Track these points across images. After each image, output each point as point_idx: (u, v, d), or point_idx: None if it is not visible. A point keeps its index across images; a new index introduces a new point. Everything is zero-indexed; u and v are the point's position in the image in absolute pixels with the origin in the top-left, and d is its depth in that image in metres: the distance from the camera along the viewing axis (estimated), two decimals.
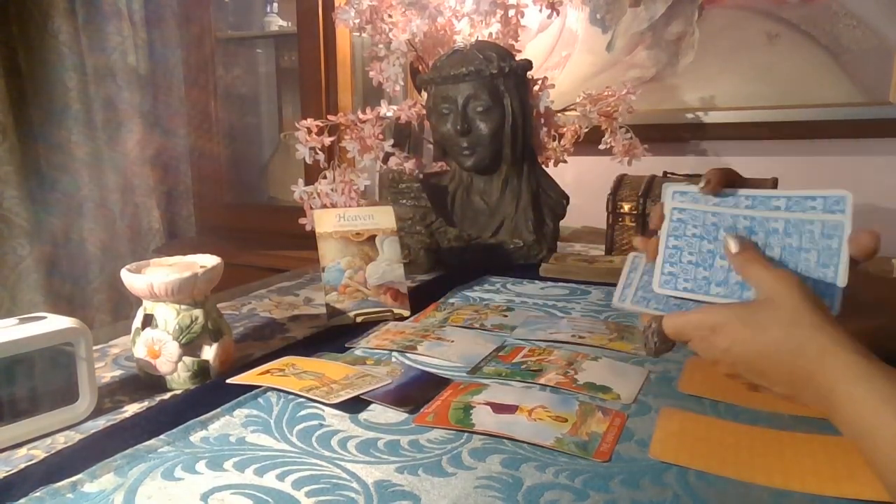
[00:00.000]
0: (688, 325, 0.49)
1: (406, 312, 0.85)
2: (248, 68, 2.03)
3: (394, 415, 0.57)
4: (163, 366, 0.63)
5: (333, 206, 1.19)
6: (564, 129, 1.33)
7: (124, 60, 1.72)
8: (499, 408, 0.57)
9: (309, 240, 0.91)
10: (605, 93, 1.29)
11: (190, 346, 0.64)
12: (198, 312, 0.64)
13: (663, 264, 0.53)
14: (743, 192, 0.54)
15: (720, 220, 0.53)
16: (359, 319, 0.82)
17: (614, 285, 0.58)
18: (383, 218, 0.87)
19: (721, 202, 0.53)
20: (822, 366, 0.43)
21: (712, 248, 0.52)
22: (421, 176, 1.18)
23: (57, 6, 1.57)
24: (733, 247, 0.50)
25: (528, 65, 1.14)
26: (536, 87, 1.20)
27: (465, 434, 0.53)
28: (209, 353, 0.65)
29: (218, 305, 0.70)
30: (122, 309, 1.71)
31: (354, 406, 0.58)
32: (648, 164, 1.29)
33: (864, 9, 1.33)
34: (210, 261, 0.67)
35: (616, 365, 0.68)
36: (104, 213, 1.71)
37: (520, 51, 1.30)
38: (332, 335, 0.78)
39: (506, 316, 0.85)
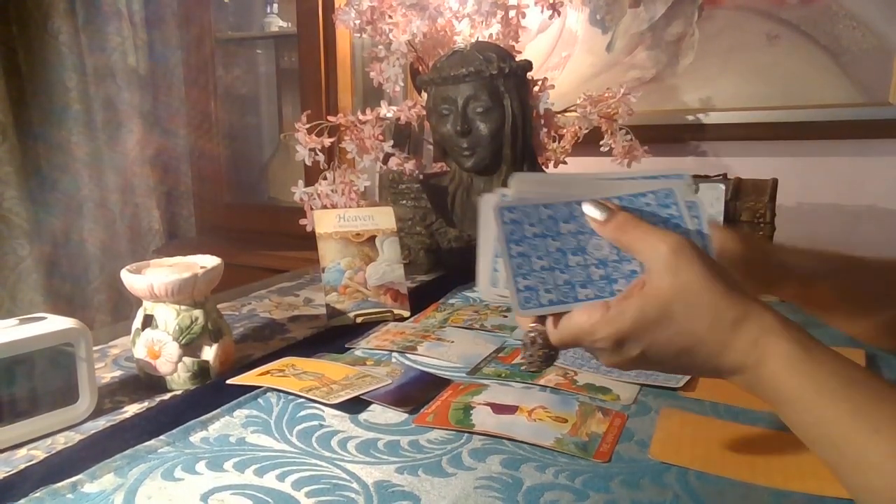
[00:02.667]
0: (581, 334, 0.43)
1: (406, 313, 0.85)
2: (248, 69, 2.03)
3: (394, 415, 0.57)
4: (163, 366, 0.63)
5: (333, 206, 1.19)
6: (564, 130, 1.33)
7: (124, 60, 1.72)
8: (499, 408, 0.57)
9: (309, 240, 0.91)
10: (605, 94, 1.29)
11: (190, 347, 0.64)
12: (198, 313, 0.64)
13: (515, 279, 0.44)
14: (577, 175, 0.50)
15: (556, 212, 0.45)
16: (359, 320, 0.83)
17: None
18: (383, 218, 0.87)
19: (549, 193, 0.46)
20: (726, 348, 0.41)
21: (560, 246, 0.45)
22: (421, 176, 1.18)
23: (57, 6, 1.57)
24: (597, 214, 0.44)
25: (528, 65, 1.14)
26: (536, 88, 1.20)
27: (465, 434, 0.53)
28: (209, 353, 0.65)
29: (218, 306, 0.70)
30: (122, 309, 1.71)
31: (354, 406, 0.58)
32: (648, 165, 1.29)
33: (863, 9, 1.33)
34: (210, 261, 0.67)
35: None
36: (104, 213, 1.71)
37: (520, 51, 1.30)
38: (332, 336, 0.78)
39: (506, 316, 0.85)
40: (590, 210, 0.44)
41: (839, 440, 0.38)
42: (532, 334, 0.43)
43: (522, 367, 0.43)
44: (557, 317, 0.44)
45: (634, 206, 0.45)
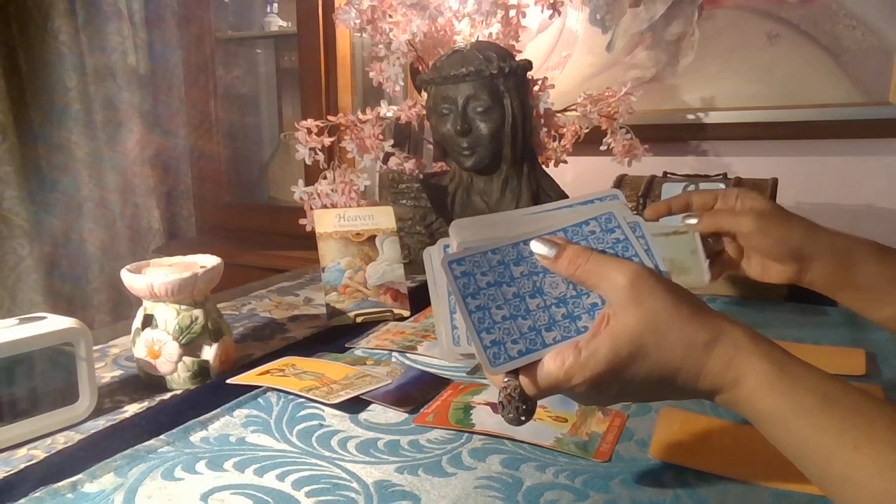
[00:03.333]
0: (557, 383, 0.41)
1: (406, 312, 0.85)
2: (248, 68, 2.03)
3: (394, 415, 0.57)
4: (163, 366, 0.63)
5: (333, 206, 1.19)
6: (564, 130, 1.33)
7: (124, 60, 1.72)
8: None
9: (309, 240, 0.91)
10: (606, 93, 1.29)
11: (190, 347, 0.64)
12: (198, 312, 0.64)
13: (479, 336, 0.41)
14: (515, 213, 0.49)
15: (504, 256, 0.44)
16: (359, 319, 0.82)
17: None
18: (383, 218, 0.87)
19: (493, 237, 0.44)
20: (730, 358, 0.40)
21: (516, 291, 0.43)
22: (421, 176, 1.18)
23: (57, 6, 1.57)
24: (546, 251, 0.43)
25: (528, 65, 1.14)
26: (536, 88, 1.20)
27: (465, 434, 0.53)
28: (209, 353, 0.65)
29: (218, 305, 0.70)
30: (122, 309, 1.71)
31: (354, 406, 0.58)
32: (648, 165, 1.29)
33: (863, 9, 1.33)
34: (210, 261, 0.67)
35: None
36: (104, 213, 1.71)
37: (520, 51, 1.30)
38: (332, 335, 0.78)
39: None
40: (538, 248, 0.43)
41: (821, 458, 0.37)
42: (507, 390, 0.41)
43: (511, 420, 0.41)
44: (528, 368, 0.41)
45: (580, 236, 0.44)
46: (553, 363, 0.40)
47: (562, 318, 0.42)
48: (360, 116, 1.21)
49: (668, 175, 1.20)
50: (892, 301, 0.60)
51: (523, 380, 0.41)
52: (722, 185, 1.08)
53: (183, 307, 0.63)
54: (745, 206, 0.64)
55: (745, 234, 0.62)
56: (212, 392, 0.61)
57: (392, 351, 0.73)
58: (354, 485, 0.46)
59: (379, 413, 0.57)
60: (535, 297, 0.43)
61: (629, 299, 0.40)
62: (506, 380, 0.41)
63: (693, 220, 0.64)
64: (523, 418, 0.40)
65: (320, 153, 1.20)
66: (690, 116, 1.51)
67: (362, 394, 0.59)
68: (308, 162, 1.20)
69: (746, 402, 0.40)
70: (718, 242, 0.65)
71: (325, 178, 1.21)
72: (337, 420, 0.56)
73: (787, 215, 0.63)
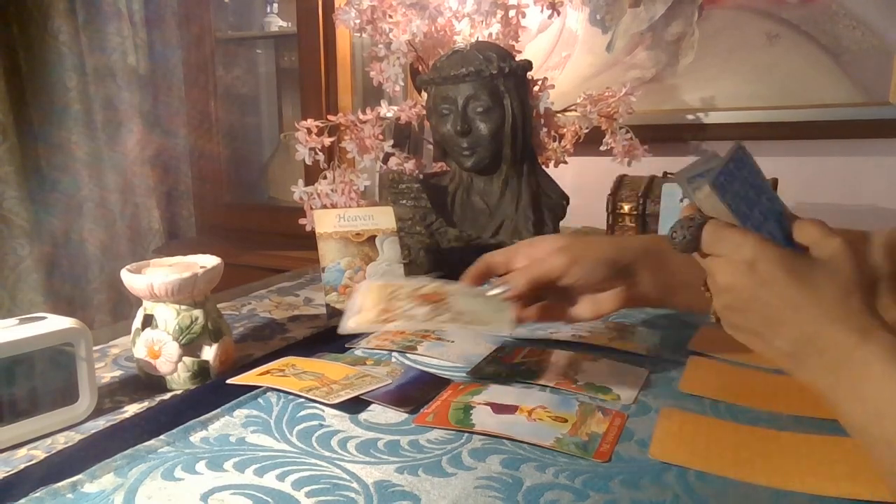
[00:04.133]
0: (728, 241, 0.45)
1: None
2: (248, 68, 2.04)
3: (394, 415, 0.57)
4: (163, 366, 0.63)
5: (333, 206, 1.19)
6: (564, 130, 1.33)
7: (124, 60, 1.72)
8: (499, 408, 0.57)
9: (309, 240, 0.91)
10: (606, 93, 1.29)
11: (190, 347, 0.64)
12: (198, 313, 0.64)
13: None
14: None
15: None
16: None
17: None
18: (383, 218, 0.87)
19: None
20: (863, 340, 0.41)
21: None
22: (421, 176, 1.18)
23: (57, 6, 1.57)
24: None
25: (528, 65, 1.14)
26: (536, 88, 1.20)
27: (465, 434, 0.53)
28: (209, 353, 0.65)
29: (218, 305, 0.70)
30: (122, 309, 1.71)
31: (354, 406, 0.58)
32: (648, 165, 1.29)
33: (863, 9, 1.33)
34: (210, 261, 0.67)
35: (616, 365, 0.68)
36: (104, 213, 1.71)
37: (520, 51, 1.30)
38: (332, 335, 0.78)
39: None
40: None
41: None
42: (696, 218, 0.47)
43: (673, 241, 0.48)
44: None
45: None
46: (740, 232, 0.45)
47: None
48: (360, 116, 1.21)
49: (668, 175, 1.20)
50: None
51: (711, 222, 0.46)
52: None
53: (183, 307, 0.63)
54: (545, 250, 0.62)
55: (561, 275, 0.59)
56: (212, 392, 0.61)
57: (392, 351, 0.73)
58: (354, 485, 0.46)
59: (379, 413, 0.57)
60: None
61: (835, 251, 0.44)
62: (697, 211, 0.48)
63: (499, 290, 0.61)
64: (688, 242, 0.47)
65: (320, 153, 1.20)
66: (690, 116, 1.51)
67: (362, 394, 0.59)
68: (308, 162, 1.21)
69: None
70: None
71: (325, 178, 1.21)
72: (337, 420, 0.56)
73: (587, 239, 0.62)
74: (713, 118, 1.49)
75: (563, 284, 0.60)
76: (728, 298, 0.47)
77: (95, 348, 0.71)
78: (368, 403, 0.59)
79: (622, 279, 0.60)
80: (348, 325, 0.55)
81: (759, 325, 0.45)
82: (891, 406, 0.40)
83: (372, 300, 0.57)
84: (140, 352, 0.63)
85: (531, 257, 0.62)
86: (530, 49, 1.55)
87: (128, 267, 0.64)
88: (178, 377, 0.63)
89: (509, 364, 0.69)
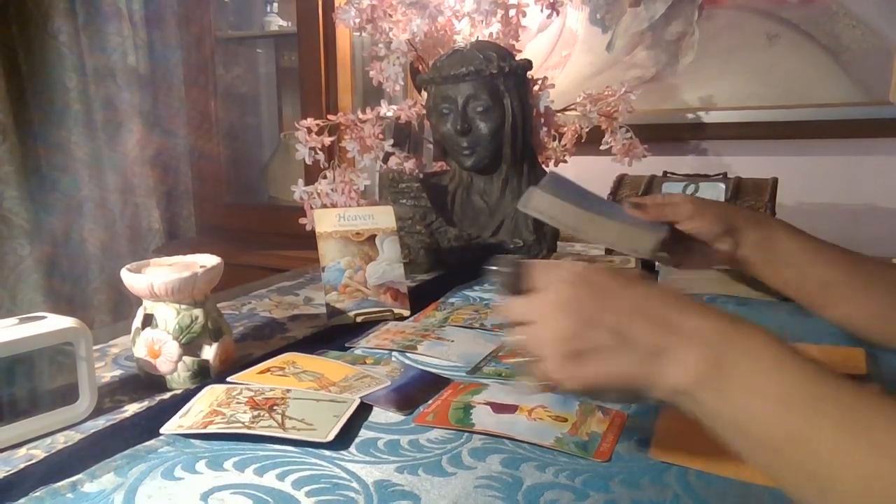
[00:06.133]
0: (554, 268, 0.47)
1: (406, 312, 0.85)
2: (248, 68, 2.03)
3: (394, 415, 0.57)
4: (163, 365, 0.63)
5: (333, 205, 1.19)
6: (564, 129, 1.33)
7: (124, 60, 1.72)
8: (499, 407, 0.57)
9: (309, 240, 0.91)
10: (605, 93, 1.29)
11: (190, 346, 0.64)
12: (198, 312, 0.64)
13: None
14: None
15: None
16: (359, 319, 0.82)
17: None
18: (383, 218, 0.87)
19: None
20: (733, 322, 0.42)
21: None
22: (421, 176, 1.18)
23: (57, 6, 1.57)
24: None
25: (528, 65, 1.14)
26: (536, 87, 1.20)
27: (465, 434, 0.53)
28: (209, 352, 0.65)
29: (218, 305, 0.70)
30: (122, 309, 1.71)
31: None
32: (648, 164, 1.29)
33: (863, 9, 1.33)
34: (210, 261, 0.67)
35: None
36: (104, 213, 1.71)
37: (520, 51, 1.30)
38: (332, 335, 0.78)
39: None
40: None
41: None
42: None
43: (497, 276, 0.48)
44: None
45: None
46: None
47: None
48: (360, 116, 1.21)
49: (668, 175, 1.20)
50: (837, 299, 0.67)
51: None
52: (721, 185, 1.08)
53: (183, 307, 0.63)
54: (675, 198, 0.72)
55: (686, 217, 0.69)
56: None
57: (392, 350, 0.73)
58: (354, 484, 0.46)
59: (379, 413, 0.57)
60: None
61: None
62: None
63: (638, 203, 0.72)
64: (510, 270, 0.48)
65: (320, 153, 1.20)
66: (690, 116, 1.51)
67: (362, 397, 0.59)
68: (308, 161, 1.21)
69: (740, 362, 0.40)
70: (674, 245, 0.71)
71: (325, 177, 1.21)
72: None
73: (711, 200, 0.73)
74: (713, 118, 1.49)
75: (683, 229, 0.70)
76: (570, 321, 0.43)
77: (95, 348, 0.71)
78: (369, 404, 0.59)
79: (731, 235, 0.69)
80: (167, 425, 0.53)
81: (609, 335, 0.42)
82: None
83: (203, 403, 0.56)
84: (140, 351, 0.63)
85: (665, 201, 0.72)
86: (530, 48, 1.55)
87: (128, 267, 0.64)
88: (178, 376, 0.63)
89: (509, 363, 0.69)
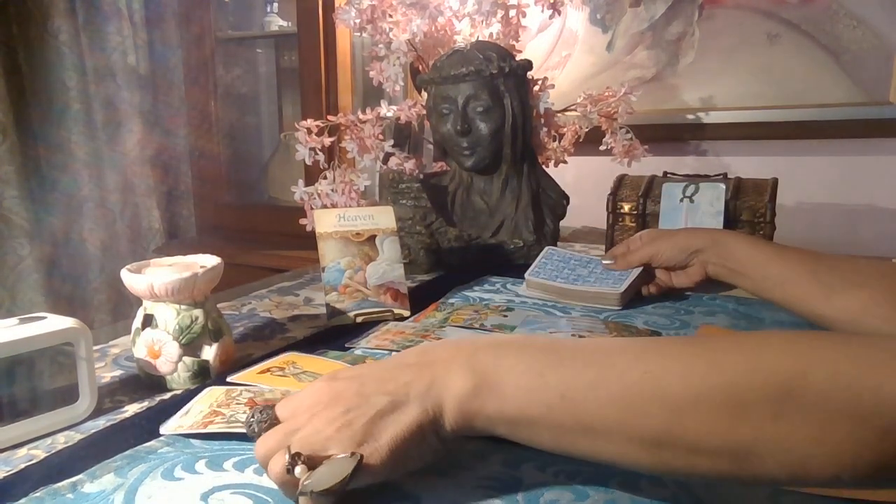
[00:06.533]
0: (296, 396, 0.46)
1: (406, 312, 0.85)
2: (248, 68, 2.04)
3: None
4: (163, 366, 0.63)
5: (333, 206, 1.19)
6: (564, 130, 1.33)
7: (124, 60, 1.72)
8: None
9: (309, 240, 0.91)
10: (606, 93, 1.29)
11: (190, 346, 0.64)
12: (198, 312, 0.64)
13: None
14: None
15: None
16: (359, 319, 0.82)
17: None
18: (383, 218, 0.87)
19: None
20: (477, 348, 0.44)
21: None
22: (421, 176, 1.18)
23: (57, 6, 1.57)
24: None
25: (528, 65, 1.14)
26: (536, 88, 1.20)
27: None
28: (209, 353, 0.65)
29: (218, 305, 0.70)
30: (122, 309, 1.71)
31: None
32: (648, 165, 1.29)
33: (864, 9, 1.33)
34: (210, 261, 0.66)
35: None
36: (104, 213, 1.71)
37: (520, 51, 1.30)
38: (332, 335, 0.78)
39: (506, 316, 0.85)
40: None
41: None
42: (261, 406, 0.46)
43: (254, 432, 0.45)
44: None
45: None
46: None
47: None
48: (360, 116, 1.21)
49: (669, 175, 1.20)
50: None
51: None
52: (722, 185, 1.08)
53: (183, 307, 0.63)
54: (646, 237, 0.87)
55: (649, 259, 0.86)
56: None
57: (392, 351, 0.73)
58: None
59: None
60: None
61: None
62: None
63: (609, 261, 0.90)
64: (262, 418, 0.46)
65: (320, 153, 1.20)
66: (690, 116, 1.51)
67: None
68: (308, 162, 1.21)
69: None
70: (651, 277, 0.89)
71: (325, 178, 1.21)
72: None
73: (669, 231, 0.88)
74: (713, 118, 1.49)
75: (656, 266, 0.87)
76: (339, 406, 0.43)
77: (95, 348, 0.71)
78: None
79: (697, 258, 0.82)
80: (167, 424, 0.53)
81: (380, 397, 0.43)
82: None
83: (203, 403, 0.56)
84: (140, 352, 0.63)
85: (642, 242, 0.88)
86: (530, 49, 1.56)
87: (128, 267, 0.64)
88: (179, 377, 0.63)
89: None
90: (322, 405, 0.43)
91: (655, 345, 0.41)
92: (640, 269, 0.87)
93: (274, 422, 0.44)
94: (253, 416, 0.45)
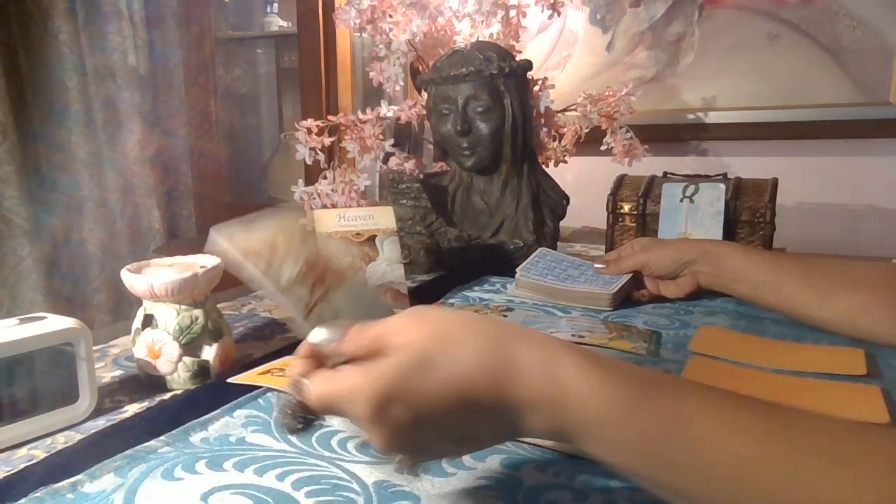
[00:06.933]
0: (340, 398, 0.37)
1: None
2: (248, 68, 2.04)
3: None
4: (163, 366, 0.63)
5: (334, 206, 1.19)
6: (565, 130, 1.33)
7: (124, 60, 1.72)
8: None
9: None
10: (606, 93, 1.29)
11: (190, 347, 0.64)
12: (198, 312, 0.64)
13: None
14: None
15: None
16: None
17: None
18: (383, 218, 0.87)
19: None
20: (550, 375, 0.35)
21: None
22: (421, 176, 1.18)
23: (57, 6, 1.57)
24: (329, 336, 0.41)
25: (528, 65, 1.14)
26: (536, 88, 1.20)
27: None
28: (209, 353, 0.65)
29: (218, 305, 0.70)
30: (122, 309, 1.71)
31: None
32: (649, 165, 1.29)
33: (864, 9, 1.33)
34: (210, 261, 0.66)
35: None
36: (104, 213, 1.71)
37: (520, 51, 1.30)
38: None
39: (506, 316, 0.85)
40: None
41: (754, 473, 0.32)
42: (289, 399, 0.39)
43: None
44: (327, 373, 0.38)
45: None
46: (344, 377, 0.37)
47: None
48: (360, 116, 1.21)
49: (669, 175, 1.20)
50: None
51: (308, 385, 0.38)
52: (722, 185, 1.08)
53: (183, 307, 0.63)
54: (638, 246, 0.88)
55: (641, 266, 0.86)
56: (212, 392, 0.61)
57: None
58: (354, 485, 0.46)
59: None
60: None
61: (410, 317, 0.38)
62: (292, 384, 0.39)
63: (600, 266, 0.91)
64: (300, 429, 0.39)
65: (320, 153, 1.20)
66: (690, 116, 1.51)
67: None
68: (308, 162, 1.21)
69: (578, 406, 0.35)
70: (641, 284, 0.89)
71: (325, 178, 1.21)
72: (337, 420, 0.56)
73: (662, 241, 0.91)
74: (713, 118, 1.49)
75: (647, 275, 0.87)
76: (389, 433, 0.36)
77: (95, 348, 0.71)
78: None
79: (689, 269, 0.83)
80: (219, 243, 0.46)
81: (451, 426, 0.37)
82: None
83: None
84: (140, 352, 0.63)
85: (634, 251, 0.88)
86: (530, 49, 1.56)
87: (128, 267, 0.64)
88: (178, 377, 0.63)
89: None
90: (390, 447, 0.37)
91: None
92: (630, 275, 0.88)
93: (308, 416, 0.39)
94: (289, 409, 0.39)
